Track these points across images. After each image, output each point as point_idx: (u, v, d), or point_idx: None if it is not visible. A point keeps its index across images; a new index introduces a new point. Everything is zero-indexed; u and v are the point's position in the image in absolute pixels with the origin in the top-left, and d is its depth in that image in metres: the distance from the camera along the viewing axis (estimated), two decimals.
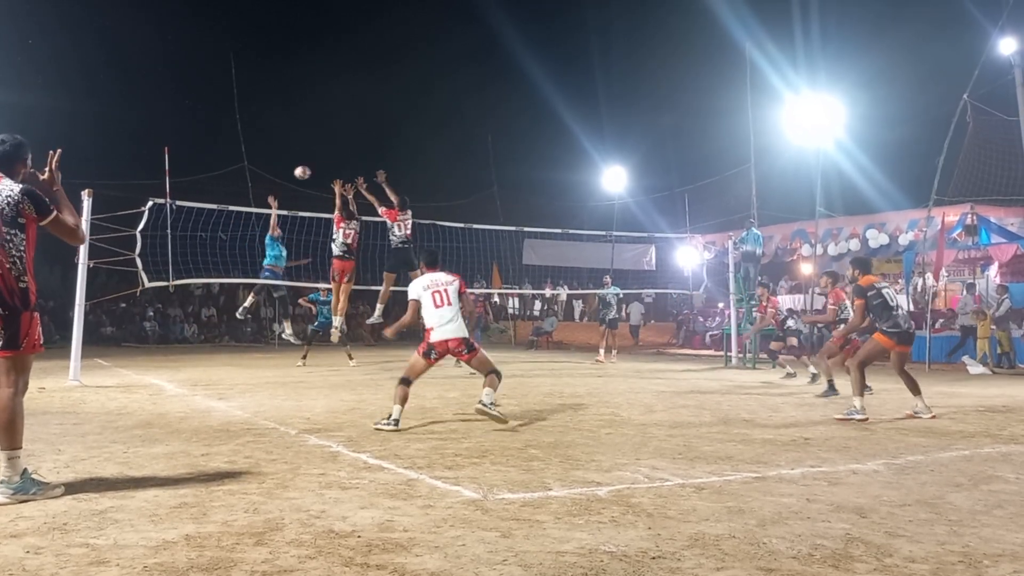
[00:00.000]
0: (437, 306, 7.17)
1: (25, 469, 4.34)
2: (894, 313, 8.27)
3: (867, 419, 7.77)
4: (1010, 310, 17.42)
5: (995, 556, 3.43)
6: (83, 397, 9.43)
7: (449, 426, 7.19)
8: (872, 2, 33.13)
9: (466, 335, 7.25)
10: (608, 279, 18.97)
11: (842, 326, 10.43)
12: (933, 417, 8.01)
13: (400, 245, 12.38)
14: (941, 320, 19.36)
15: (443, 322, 7.13)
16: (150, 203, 12.34)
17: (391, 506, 4.16)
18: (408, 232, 12.47)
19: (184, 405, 8.77)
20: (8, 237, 4.31)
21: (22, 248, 4.36)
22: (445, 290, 7.23)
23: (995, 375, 15.15)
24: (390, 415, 6.97)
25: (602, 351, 18.31)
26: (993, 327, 16.82)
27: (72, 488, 4.47)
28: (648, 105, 38.84)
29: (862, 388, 8.15)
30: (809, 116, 20.41)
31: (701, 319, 27.34)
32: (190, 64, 36.59)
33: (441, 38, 44.13)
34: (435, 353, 7.19)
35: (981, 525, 3.91)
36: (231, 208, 14.20)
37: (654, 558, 3.33)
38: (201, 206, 13.42)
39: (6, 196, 4.32)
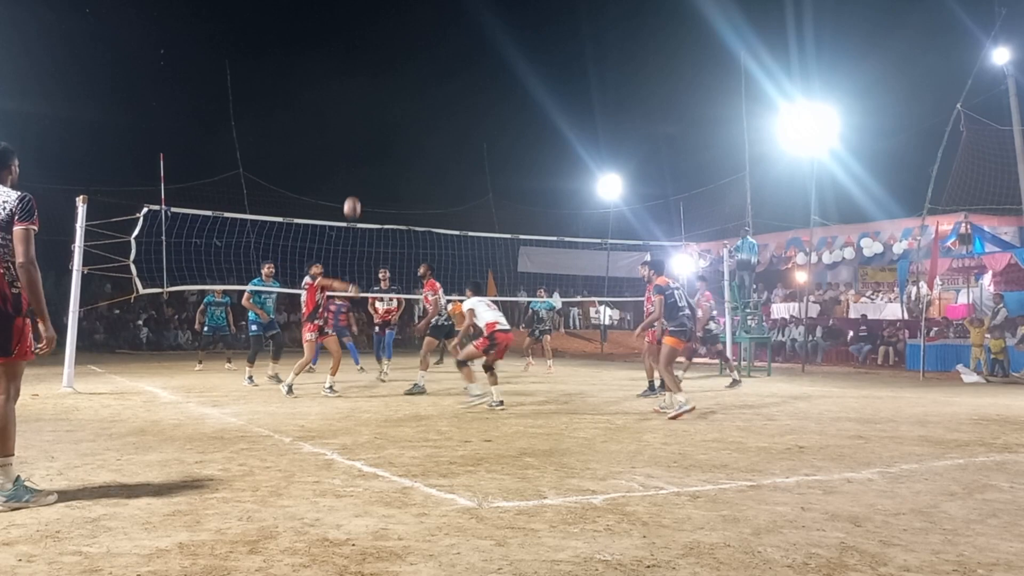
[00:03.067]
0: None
1: (18, 476, 4.32)
2: (680, 313, 8.85)
3: (694, 408, 8.44)
4: (1006, 319, 17.48)
5: (989, 565, 3.43)
6: (76, 404, 9.40)
7: (444, 434, 7.18)
8: (866, 12, 33.39)
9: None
10: (542, 291, 18.79)
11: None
12: (692, 409, 8.50)
13: (444, 322, 11.98)
14: (935, 329, 19.42)
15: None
16: (145, 209, 12.30)
17: (385, 514, 4.15)
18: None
19: (178, 412, 8.74)
20: (2, 242, 4.29)
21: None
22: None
23: (989, 384, 15.19)
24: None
25: (529, 359, 18.34)
26: (988, 335, 16.87)
27: (65, 495, 4.45)
28: (643, 113, 39.05)
29: (677, 384, 8.68)
30: (804, 125, 20.46)
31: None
32: (186, 70, 36.71)
33: (436, 46, 44.37)
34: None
35: (975, 534, 3.92)
36: (226, 215, 14.19)
37: (649, 567, 3.33)
38: (196, 212, 13.39)
39: (2, 201, 4.31)
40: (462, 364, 9.62)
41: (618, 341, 28.94)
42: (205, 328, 16.38)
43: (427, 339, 12.27)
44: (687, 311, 9.06)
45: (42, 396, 10.08)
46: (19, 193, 4.39)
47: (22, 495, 4.24)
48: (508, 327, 9.53)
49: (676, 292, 9.05)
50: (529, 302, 19.70)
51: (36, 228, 4.37)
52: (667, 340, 8.88)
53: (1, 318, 4.28)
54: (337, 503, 4.40)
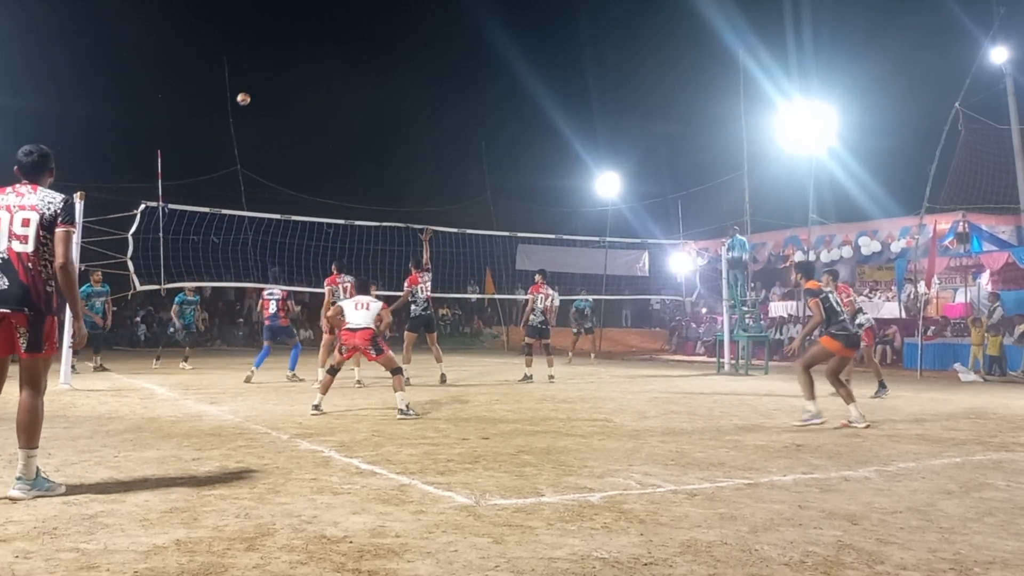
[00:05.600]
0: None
1: (38, 468, 4.46)
2: (841, 318, 8.27)
3: (824, 422, 7.80)
4: (1003, 318, 17.50)
5: (986, 563, 3.44)
6: (73, 401, 9.39)
7: (442, 431, 7.19)
8: (865, 10, 33.34)
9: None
10: (584, 291, 20.60)
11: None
12: (867, 427, 7.76)
13: (422, 312, 12.32)
14: (933, 328, 19.44)
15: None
16: (142, 206, 12.31)
17: (383, 512, 4.15)
18: (428, 295, 12.47)
19: (175, 409, 8.73)
20: (44, 241, 4.49)
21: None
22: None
23: (986, 382, 15.21)
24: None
25: (592, 355, 20.51)
26: (986, 334, 16.88)
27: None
28: (642, 111, 38.99)
29: (812, 391, 8.07)
30: (802, 123, 20.45)
31: (694, 325, 27.40)
32: (183, 66, 36.61)
33: (435, 44, 44.26)
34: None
35: (972, 532, 3.93)
36: (224, 211, 14.18)
37: (646, 564, 3.33)
38: (194, 209, 13.39)
39: (48, 202, 4.52)
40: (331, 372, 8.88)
41: (616, 339, 28.96)
42: (172, 330, 16.65)
43: (407, 333, 12.47)
44: (847, 318, 8.39)
45: None
46: (63, 196, 4.60)
47: (43, 485, 4.42)
48: (358, 326, 8.62)
49: (832, 297, 8.32)
50: (573, 301, 20.45)
51: (75, 230, 4.63)
52: (824, 339, 8.20)
53: (35, 314, 4.45)
54: (334, 500, 4.40)
